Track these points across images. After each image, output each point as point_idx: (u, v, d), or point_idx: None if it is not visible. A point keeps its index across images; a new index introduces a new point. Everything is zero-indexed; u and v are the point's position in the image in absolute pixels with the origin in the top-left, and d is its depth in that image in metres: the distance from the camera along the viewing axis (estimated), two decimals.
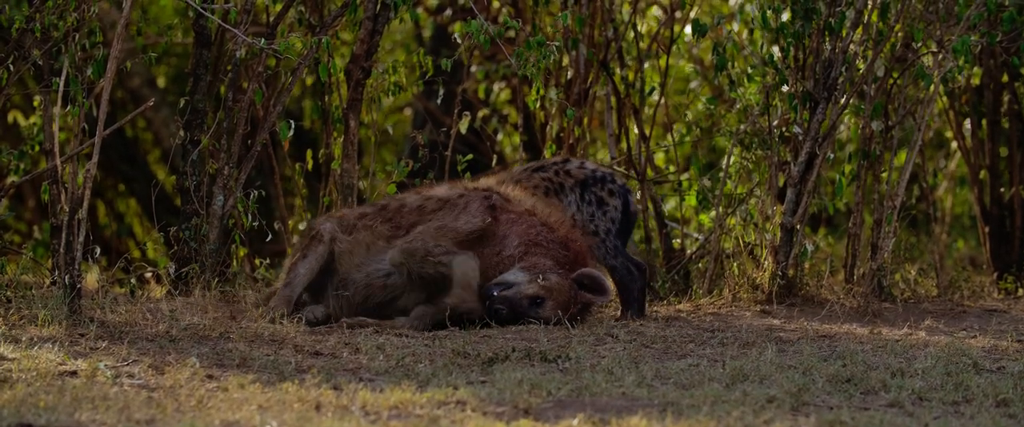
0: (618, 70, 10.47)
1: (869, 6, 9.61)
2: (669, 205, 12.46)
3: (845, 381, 7.13)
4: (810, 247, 9.70)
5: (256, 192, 9.27)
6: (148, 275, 10.26)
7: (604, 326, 8.77)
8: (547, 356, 7.64)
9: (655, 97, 10.85)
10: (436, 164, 10.52)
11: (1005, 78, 10.98)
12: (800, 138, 9.64)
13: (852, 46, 9.59)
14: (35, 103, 9.30)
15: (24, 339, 7.70)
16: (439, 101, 10.33)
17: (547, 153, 10.36)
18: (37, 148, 9.22)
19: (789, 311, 9.44)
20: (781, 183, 9.85)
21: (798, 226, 9.63)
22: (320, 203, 9.89)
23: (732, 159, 10.04)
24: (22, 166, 9.24)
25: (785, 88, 9.72)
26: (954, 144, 12.69)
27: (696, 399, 6.66)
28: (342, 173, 9.66)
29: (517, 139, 11.56)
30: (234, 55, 9.26)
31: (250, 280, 9.47)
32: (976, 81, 10.98)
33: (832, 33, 9.56)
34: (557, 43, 9.42)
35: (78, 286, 8.29)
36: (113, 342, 7.81)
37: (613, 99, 10.53)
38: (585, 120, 10.50)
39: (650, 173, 10.36)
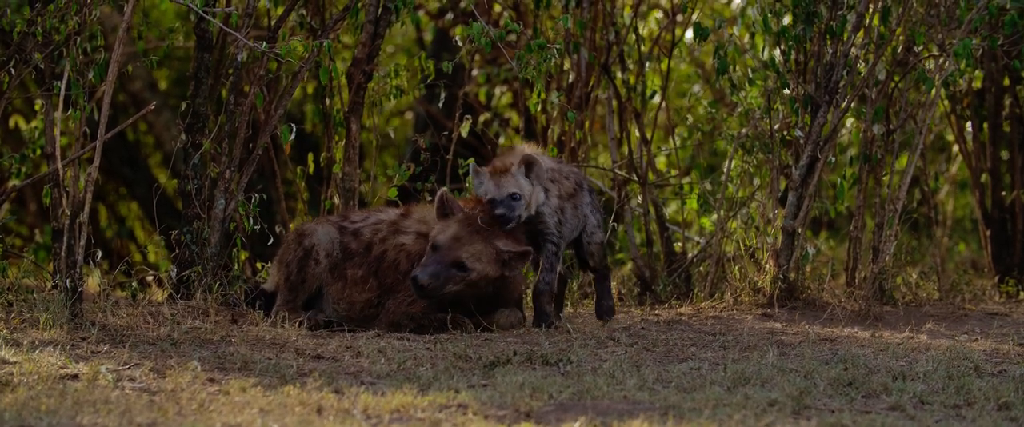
0: (619, 73, 10.47)
1: (870, 10, 9.61)
2: (670, 209, 12.47)
3: (846, 384, 7.13)
4: (811, 250, 9.70)
5: (257, 196, 9.27)
6: (149, 279, 10.26)
7: (605, 329, 8.78)
8: (548, 359, 7.64)
9: (656, 100, 10.85)
10: (437, 168, 10.52)
11: (1006, 81, 10.98)
12: (801, 142, 9.64)
13: (853, 50, 9.59)
14: (36, 107, 9.30)
15: (25, 343, 7.70)
16: (440, 104, 10.33)
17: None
18: (38, 152, 9.23)
19: (790, 314, 9.44)
20: (782, 187, 9.85)
21: (799, 229, 9.63)
22: (321, 206, 9.89)
23: (733, 163, 10.04)
24: (23, 170, 9.24)
25: (786, 91, 9.72)
26: (955, 147, 12.70)
27: (697, 402, 6.66)
28: (343, 177, 9.66)
29: (518, 142, 11.56)
30: (235, 59, 9.26)
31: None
32: (977, 84, 10.99)
33: (833, 37, 9.56)
34: (558, 46, 9.42)
35: (79, 290, 8.29)
36: (114, 346, 7.81)
37: (614, 102, 10.53)
38: (586, 124, 10.50)
39: (651, 177, 10.37)
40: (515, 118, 12.86)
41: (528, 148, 9.03)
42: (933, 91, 9.68)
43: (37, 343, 7.70)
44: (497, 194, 8.66)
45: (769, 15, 9.70)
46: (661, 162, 11.75)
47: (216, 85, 9.42)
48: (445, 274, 8.51)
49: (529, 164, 8.69)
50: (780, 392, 6.87)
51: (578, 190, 8.97)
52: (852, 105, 9.75)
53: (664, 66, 10.67)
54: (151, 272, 9.60)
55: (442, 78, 9.93)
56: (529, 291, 9.19)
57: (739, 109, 10.00)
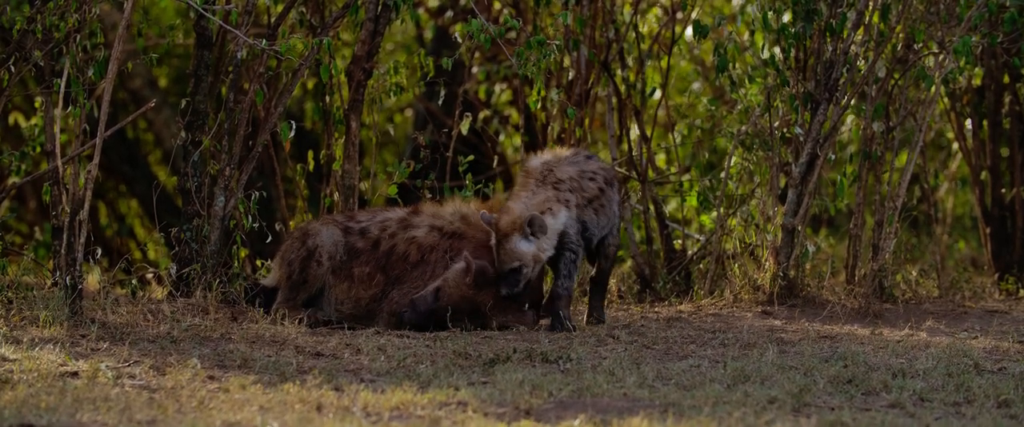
0: (619, 71, 10.47)
1: (870, 7, 9.61)
2: (670, 206, 12.47)
3: (846, 382, 7.13)
4: (811, 248, 9.70)
5: (257, 193, 9.27)
6: (149, 276, 10.26)
7: (606, 327, 8.77)
8: (548, 357, 7.64)
9: (656, 98, 10.85)
10: (437, 165, 10.52)
11: (1006, 79, 10.98)
12: (801, 139, 9.64)
13: (853, 47, 9.59)
14: (36, 104, 9.30)
15: (25, 340, 7.70)
16: (440, 102, 10.32)
17: None
18: (38, 149, 9.23)
19: (790, 312, 9.44)
20: (782, 184, 9.85)
21: (799, 227, 9.63)
22: (321, 204, 9.89)
23: (733, 160, 10.04)
24: (23, 167, 9.24)
25: (786, 89, 9.72)
26: (955, 145, 12.70)
27: (697, 400, 6.66)
28: (343, 174, 9.66)
29: (518, 140, 11.56)
30: (235, 56, 9.26)
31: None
32: (977, 82, 10.98)
33: (833, 34, 9.56)
34: (558, 43, 9.42)
35: (79, 287, 8.29)
36: (114, 343, 7.82)
37: (614, 100, 10.53)
38: (586, 121, 10.50)
39: (651, 174, 10.36)
40: (515, 115, 12.86)
41: (539, 156, 8.92)
42: (933, 88, 9.68)
43: (37, 340, 7.70)
44: (500, 267, 8.58)
45: (769, 12, 9.70)
46: (661, 159, 11.76)
47: (216, 82, 9.42)
48: (432, 312, 8.55)
49: (531, 222, 8.58)
50: (780, 389, 6.87)
51: (606, 188, 8.87)
52: (852, 102, 9.75)
53: (664, 63, 10.67)
54: (151, 269, 9.61)
55: (442, 75, 9.94)
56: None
57: (739, 106, 10.00)
